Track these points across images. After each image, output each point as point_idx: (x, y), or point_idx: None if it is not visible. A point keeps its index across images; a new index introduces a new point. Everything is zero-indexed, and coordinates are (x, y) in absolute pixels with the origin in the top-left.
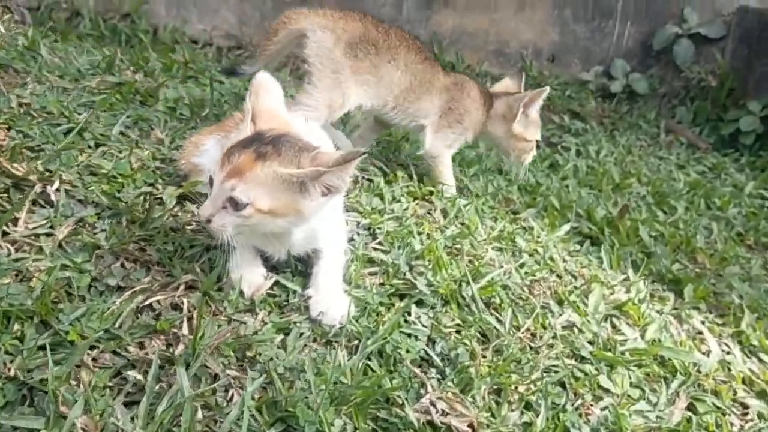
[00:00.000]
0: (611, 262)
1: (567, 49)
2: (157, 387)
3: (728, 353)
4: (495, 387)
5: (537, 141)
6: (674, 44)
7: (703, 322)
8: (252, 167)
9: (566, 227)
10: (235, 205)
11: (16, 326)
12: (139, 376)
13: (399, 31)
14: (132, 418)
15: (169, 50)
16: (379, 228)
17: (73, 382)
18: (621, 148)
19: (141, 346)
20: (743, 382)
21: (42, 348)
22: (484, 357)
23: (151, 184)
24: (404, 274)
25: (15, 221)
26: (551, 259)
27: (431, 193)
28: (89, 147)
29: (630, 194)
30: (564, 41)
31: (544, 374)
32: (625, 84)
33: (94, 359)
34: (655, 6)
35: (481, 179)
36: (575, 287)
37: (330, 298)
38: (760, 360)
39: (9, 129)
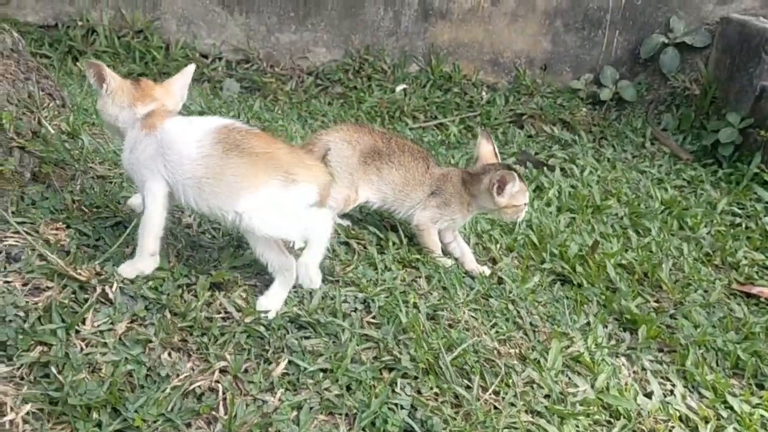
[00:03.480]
0: (575, 308)
1: (558, 58)
2: None
3: (671, 392)
4: None
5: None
6: (661, 53)
7: (653, 361)
8: None
9: (536, 278)
10: None
11: (95, 415)
12: None
13: (399, 138)
14: None
15: None
16: (373, 301)
17: None
18: (606, 162)
19: (188, 426)
20: (680, 420)
21: None
22: (454, 420)
23: (185, 275)
24: (392, 350)
25: (83, 320)
26: (519, 315)
27: (417, 260)
28: (133, 239)
29: (608, 216)
30: (556, 50)
31: None
32: (614, 91)
33: None
34: (642, 16)
35: (465, 226)
36: (538, 342)
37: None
38: (701, 395)
39: (67, 227)
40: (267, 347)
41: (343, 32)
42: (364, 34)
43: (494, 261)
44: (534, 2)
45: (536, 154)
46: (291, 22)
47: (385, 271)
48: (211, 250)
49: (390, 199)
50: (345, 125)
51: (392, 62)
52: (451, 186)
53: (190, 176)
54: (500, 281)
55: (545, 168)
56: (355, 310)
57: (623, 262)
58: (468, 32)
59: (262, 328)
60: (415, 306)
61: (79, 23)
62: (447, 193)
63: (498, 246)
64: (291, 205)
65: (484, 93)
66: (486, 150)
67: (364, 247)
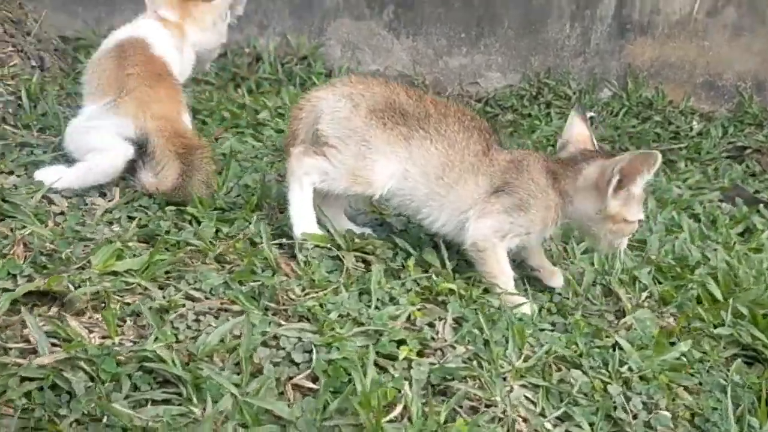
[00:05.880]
0: (756, 405)
1: None
2: None
3: None
4: None
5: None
6: None
7: None
8: None
9: (683, 346)
10: None
11: None
12: None
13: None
14: None
15: None
16: (328, 348)
17: None
18: None
19: None
20: None
21: None
22: None
23: None
24: None
25: None
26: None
27: (451, 291)
28: None
29: None
30: None
31: None
32: None
33: None
34: None
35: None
36: None
37: None
38: None
39: None
40: None
41: (521, 53)
42: (545, 55)
43: (619, 315)
44: (763, 11)
45: (756, 192)
46: (462, 44)
47: (386, 305)
48: None
49: (420, 193)
50: (345, 78)
51: (578, 86)
52: (530, 180)
53: None
54: (616, 345)
55: (762, 206)
56: (279, 363)
57: None
58: (676, 50)
59: None
60: (409, 367)
61: (246, 50)
62: (523, 191)
63: (637, 289)
64: None
65: (695, 123)
66: (580, 133)
67: (367, 266)
